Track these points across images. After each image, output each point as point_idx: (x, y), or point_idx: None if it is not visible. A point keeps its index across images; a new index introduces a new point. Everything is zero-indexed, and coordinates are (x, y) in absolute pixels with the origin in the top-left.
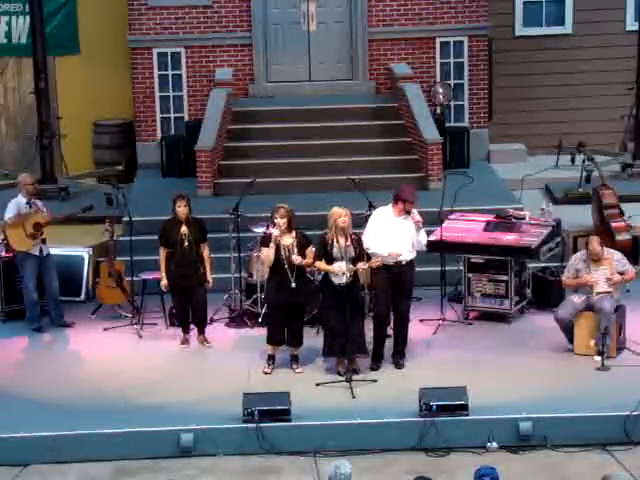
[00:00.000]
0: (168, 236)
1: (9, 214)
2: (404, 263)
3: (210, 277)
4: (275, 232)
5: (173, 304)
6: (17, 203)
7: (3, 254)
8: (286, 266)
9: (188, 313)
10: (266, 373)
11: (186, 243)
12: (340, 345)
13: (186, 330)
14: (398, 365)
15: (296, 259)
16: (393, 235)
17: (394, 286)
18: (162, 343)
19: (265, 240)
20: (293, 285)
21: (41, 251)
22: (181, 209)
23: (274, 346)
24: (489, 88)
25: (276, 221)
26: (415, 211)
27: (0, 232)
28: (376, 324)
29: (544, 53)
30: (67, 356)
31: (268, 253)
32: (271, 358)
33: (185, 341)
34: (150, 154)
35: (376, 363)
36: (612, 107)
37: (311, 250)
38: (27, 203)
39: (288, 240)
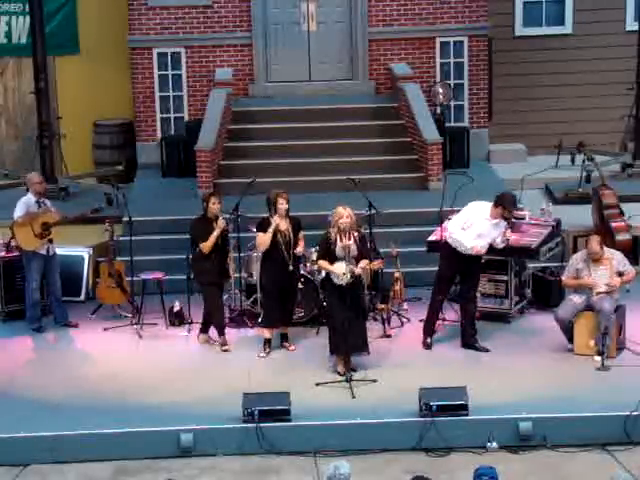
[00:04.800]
0: (203, 233)
1: (18, 213)
2: (474, 255)
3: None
4: (276, 220)
5: (207, 305)
6: (26, 202)
7: (3, 254)
8: (283, 250)
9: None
10: (260, 357)
11: (219, 241)
12: (347, 342)
13: (206, 330)
14: (474, 347)
15: (299, 252)
16: (479, 232)
17: (462, 274)
18: (162, 343)
19: (262, 225)
20: (291, 268)
21: (48, 251)
22: (216, 205)
23: (271, 329)
24: (489, 88)
25: (280, 205)
26: (509, 231)
27: (8, 231)
28: (430, 308)
29: (544, 53)
30: (67, 356)
31: (265, 238)
32: (267, 342)
33: (210, 339)
34: (150, 154)
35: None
36: (612, 107)
37: (302, 236)
38: (36, 202)
39: (284, 225)
